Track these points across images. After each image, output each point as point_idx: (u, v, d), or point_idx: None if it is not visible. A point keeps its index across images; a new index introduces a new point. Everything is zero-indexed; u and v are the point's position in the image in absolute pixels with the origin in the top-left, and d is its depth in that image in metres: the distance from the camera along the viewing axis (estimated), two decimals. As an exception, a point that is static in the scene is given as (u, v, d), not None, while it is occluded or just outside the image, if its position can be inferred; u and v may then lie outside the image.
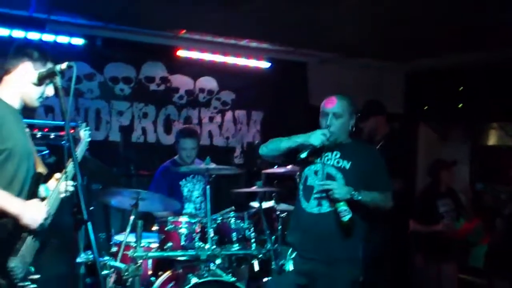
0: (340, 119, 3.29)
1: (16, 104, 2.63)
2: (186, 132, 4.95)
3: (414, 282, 5.30)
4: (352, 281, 3.29)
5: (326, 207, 3.26)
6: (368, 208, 3.29)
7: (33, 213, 2.40)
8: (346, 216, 3.12)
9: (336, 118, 3.28)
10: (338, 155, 3.34)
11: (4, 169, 2.45)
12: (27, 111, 2.79)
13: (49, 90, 2.65)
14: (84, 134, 3.17)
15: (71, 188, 2.76)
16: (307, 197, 3.34)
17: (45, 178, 2.71)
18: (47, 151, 3.99)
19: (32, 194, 2.57)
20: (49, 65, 2.60)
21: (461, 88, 6.57)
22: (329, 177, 3.29)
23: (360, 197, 3.18)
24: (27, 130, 2.78)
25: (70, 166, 2.65)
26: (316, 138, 3.20)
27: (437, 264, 5.03)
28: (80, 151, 3.04)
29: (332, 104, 3.31)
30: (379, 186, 3.33)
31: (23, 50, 2.63)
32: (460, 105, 6.51)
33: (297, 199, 3.47)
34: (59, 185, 2.66)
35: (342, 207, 3.14)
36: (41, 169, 2.70)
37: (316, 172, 3.35)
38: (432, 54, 6.36)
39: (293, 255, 3.23)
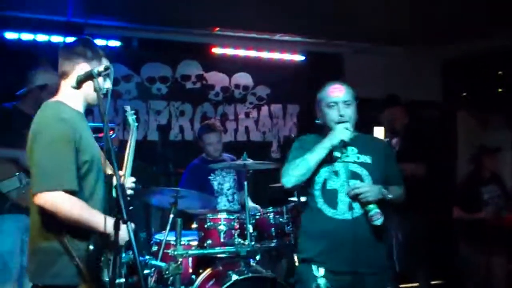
0: (351, 107, 3.00)
1: (81, 108, 2.58)
2: (208, 127, 4.94)
3: (460, 271, 5.19)
4: (387, 277, 3.13)
5: (358, 210, 2.92)
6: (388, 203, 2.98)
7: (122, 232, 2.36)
8: (379, 220, 2.83)
9: (347, 106, 2.98)
10: (356, 150, 3.03)
11: (86, 180, 2.45)
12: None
13: (107, 83, 2.56)
14: (132, 120, 3.24)
15: (133, 185, 2.88)
16: (332, 203, 2.94)
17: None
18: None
19: (107, 198, 2.58)
20: (105, 62, 2.56)
21: (500, 72, 6.39)
22: (354, 175, 2.96)
23: (390, 196, 2.91)
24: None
25: (128, 163, 2.81)
26: (343, 133, 2.91)
27: (485, 254, 4.90)
28: (132, 138, 3.09)
29: (342, 92, 3.00)
30: (395, 179, 3.10)
31: (75, 51, 2.56)
32: (500, 90, 6.34)
33: (312, 208, 3.04)
34: (125, 184, 2.71)
35: (374, 209, 2.84)
36: (109, 170, 2.68)
37: (336, 173, 2.97)
38: (468, 38, 6.20)
39: (323, 273, 2.82)
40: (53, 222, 2.34)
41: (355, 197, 2.89)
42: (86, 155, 2.42)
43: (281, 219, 4.08)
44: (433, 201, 4.77)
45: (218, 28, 5.94)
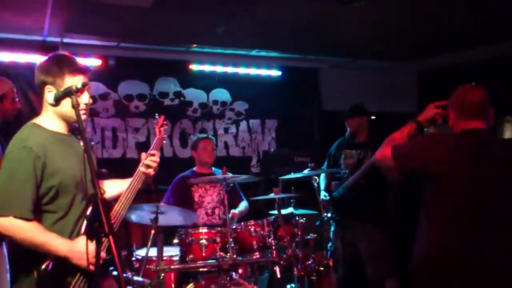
0: None
1: (59, 127, 2.54)
2: (204, 135, 5.21)
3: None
4: None
5: None
6: None
7: (81, 254, 2.30)
8: None
9: None
10: None
11: (56, 203, 2.44)
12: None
13: (85, 97, 2.50)
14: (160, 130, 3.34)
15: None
16: None
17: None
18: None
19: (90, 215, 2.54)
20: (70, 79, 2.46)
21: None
22: None
23: None
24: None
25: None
26: None
27: None
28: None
29: None
30: None
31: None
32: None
33: None
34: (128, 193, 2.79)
35: None
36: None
37: None
38: (442, 51, 6.35)
39: None
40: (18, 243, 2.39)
41: None
42: (53, 180, 2.40)
43: (262, 232, 4.11)
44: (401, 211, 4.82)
45: (195, 45, 5.99)
